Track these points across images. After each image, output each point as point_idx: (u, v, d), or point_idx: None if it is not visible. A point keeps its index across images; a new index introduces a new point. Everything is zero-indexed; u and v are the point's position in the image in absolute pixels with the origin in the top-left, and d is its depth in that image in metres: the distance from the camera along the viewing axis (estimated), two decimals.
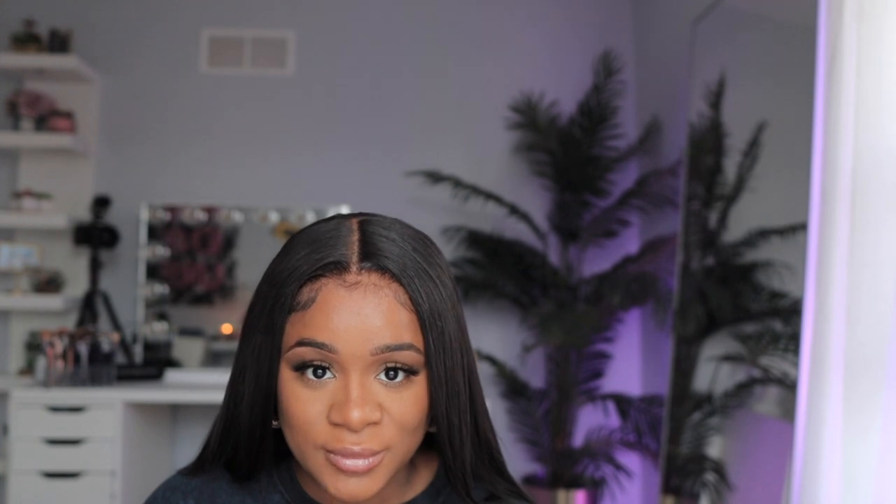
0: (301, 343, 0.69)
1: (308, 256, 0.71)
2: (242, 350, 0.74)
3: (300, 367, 0.70)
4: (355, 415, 0.67)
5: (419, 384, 0.71)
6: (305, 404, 0.69)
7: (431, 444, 0.79)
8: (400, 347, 0.69)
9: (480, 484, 0.78)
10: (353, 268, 0.70)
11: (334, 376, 0.69)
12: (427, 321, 0.70)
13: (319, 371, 0.69)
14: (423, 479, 0.80)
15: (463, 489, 0.75)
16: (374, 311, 0.69)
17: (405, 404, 0.70)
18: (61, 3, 3.38)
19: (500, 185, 3.33)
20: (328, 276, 0.70)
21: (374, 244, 0.71)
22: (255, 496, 0.80)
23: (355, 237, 0.72)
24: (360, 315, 0.68)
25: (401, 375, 0.70)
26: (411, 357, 0.70)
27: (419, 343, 0.70)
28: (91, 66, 3.29)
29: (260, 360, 0.71)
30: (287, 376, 0.70)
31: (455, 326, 0.73)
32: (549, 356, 3.18)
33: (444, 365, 0.71)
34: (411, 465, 0.80)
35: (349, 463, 0.68)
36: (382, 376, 0.70)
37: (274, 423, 0.74)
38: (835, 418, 1.64)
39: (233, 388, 0.76)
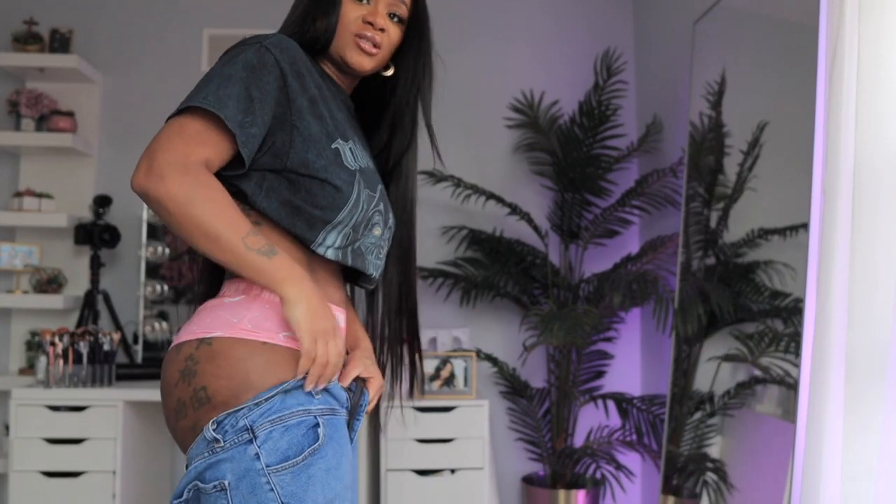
0: None
1: None
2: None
3: None
4: (378, 19, 1.30)
5: (401, 31, 1.36)
6: (353, 10, 1.30)
7: None
8: (403, 2, 1.33)
9: None
10: None
11: (370, 3, 1.31)
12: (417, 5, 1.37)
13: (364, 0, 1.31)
14: None
15: None
16: None
17: (395, 31, 1.34)
18: (62, 3, 3.39)
19: (500, 185, 3.33)
20: None
21: None
22: (315, 70, 1.31)
23: None
24: None
25: (396, 20, 1.33)
26: (404, 11, 1.34)
27: (406, 15, 1.35)
28: (92, 66, 3.30)
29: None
30: (347, 4, 1.31)
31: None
32: (550, 356, 3.18)
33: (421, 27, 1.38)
34: None
35: (367, 46, 1.30)
36: (388, 16, 1.32)
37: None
38: (836, 418, 1.64)
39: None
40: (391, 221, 1.34)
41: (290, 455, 1.08)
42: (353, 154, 1.24)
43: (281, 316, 1.14)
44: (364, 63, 1.31)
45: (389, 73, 1.39)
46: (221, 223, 1.08)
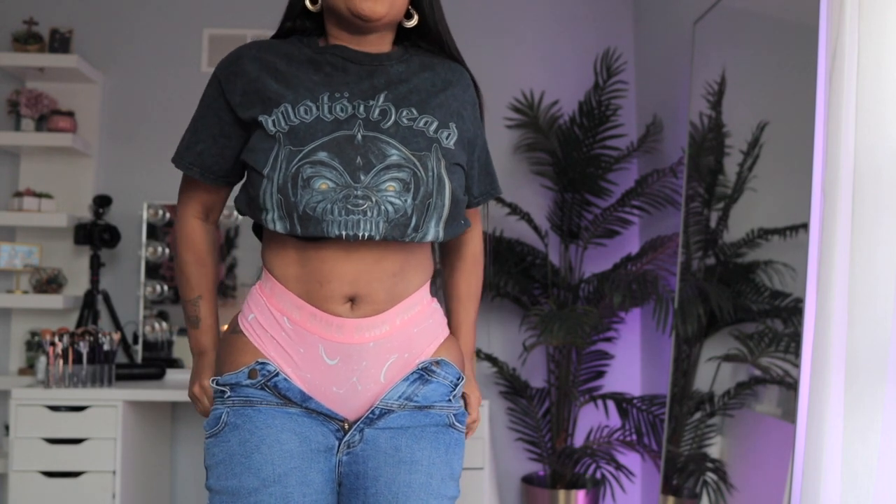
0: None
1: None
2: None
3: None
4: None
5: None
6: None
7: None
8: None
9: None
10: None
11: None
12: None
13: None
14: None
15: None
16: None
17: None
18: (62, 3, 3.39)
19: (500, 185, 3.33)
20: None
21: None
22: (286, 47, 1.28)
23: None
24: None
25: None
26: None
27: None
28: (92, 66, 3.29)
29: None
30: None
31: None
32: (550, 356, 3.18)
33: None
34: None
35: None
36: None
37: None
38: (835, 418, 1.64)
39: None
40: (368, 163, 1.17)
41: (207, 428, 1.24)
42: (283, 116, 1.19)
43: (248, 305, 1.30)
44: (375, 7, 1.20)
45: (412, 22, 1.30)
46: (179, 286, 1.37)
